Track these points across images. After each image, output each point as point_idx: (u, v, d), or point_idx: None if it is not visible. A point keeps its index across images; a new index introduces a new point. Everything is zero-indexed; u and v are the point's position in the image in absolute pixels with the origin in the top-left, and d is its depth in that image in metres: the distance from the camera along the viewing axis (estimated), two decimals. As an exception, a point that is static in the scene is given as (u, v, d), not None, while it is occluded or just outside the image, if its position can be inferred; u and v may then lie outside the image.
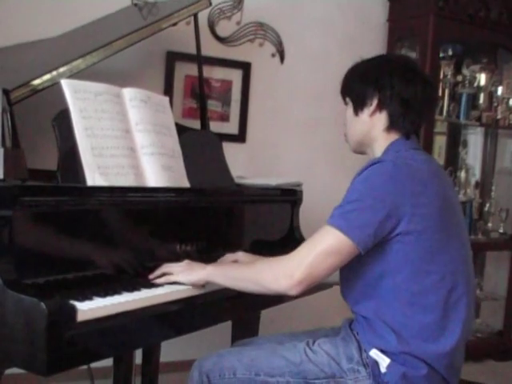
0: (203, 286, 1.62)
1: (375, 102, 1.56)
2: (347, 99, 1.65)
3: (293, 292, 1.43)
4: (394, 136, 1.58)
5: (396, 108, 1.55)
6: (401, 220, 1.40)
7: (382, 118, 1.58)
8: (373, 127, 1.59)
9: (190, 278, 1.59)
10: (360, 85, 1.59)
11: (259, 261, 1.61)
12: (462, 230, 1.55)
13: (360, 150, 1.67)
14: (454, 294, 1.46)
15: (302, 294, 1.46)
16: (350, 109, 1.64)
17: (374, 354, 1.45)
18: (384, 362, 1.44)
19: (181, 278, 1.59)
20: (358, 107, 1.60)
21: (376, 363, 1.45)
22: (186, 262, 1.65)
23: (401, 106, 1.55)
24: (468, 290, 1.50)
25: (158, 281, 1.59)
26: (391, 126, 1.57)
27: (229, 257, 1.82)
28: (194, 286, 1.60)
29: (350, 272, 1.51)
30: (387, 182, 1.42)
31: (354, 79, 1.63)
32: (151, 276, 1.61)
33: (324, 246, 1.41)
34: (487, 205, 3.81)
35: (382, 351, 1.45)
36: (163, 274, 1.61)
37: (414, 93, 1.54)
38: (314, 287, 1.50)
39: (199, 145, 2.11)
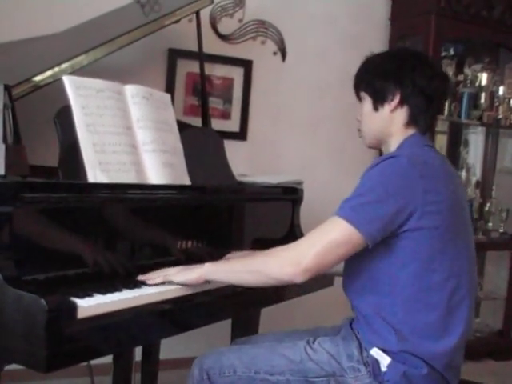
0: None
1: (397, 98, 1.55)
2: (363, 94, 1.62)
3: (298, 279, 1.40)
4: (411, 131, 1.57)
5: (418, 104, 1.55)
6: (411, 216, 1.39)
7: (402, 113, 1.57)
8: (392, 122, 1.58)
9: (187, 277, 1.53)
10: (380, 80, 1.57)
11: (262, 252, 1.54)
12: (468, 230, 1.55)
13: (376, 145, 1.66)
14: (457, 294, 1.45)
15: (304, 286, 1.43)
16: (367, 104, 1.61)
17: (375, 352, 1.45)
18: (384, 360, 1.44)
19: (178, 278, 1.53)
20: (378, 102, 1.58)
21: (376, 362, 1.45)
22: (181, 266, 1.59)
23: (423, 101, 1.55)
24: (470, 291, 1.49)
25: (154, 281, 1.53)
26: (411, 121, 1.57)
27: (235, 254, 1.81)
28: (193, 286, 1.55)
29: (355, 264, 1.50)
30: (400, 178, 1.41)
31: (372, 74, 1.60)
32: (144, 278, 1.54)
33: (333, 237, 1.39)
34: (488, 204, 3.80)
35: (383, 350, 1.45)
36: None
37: (436, 88, 1.55)
38: (315, 285, 1.49)
39: (200, 142, 2.11)
